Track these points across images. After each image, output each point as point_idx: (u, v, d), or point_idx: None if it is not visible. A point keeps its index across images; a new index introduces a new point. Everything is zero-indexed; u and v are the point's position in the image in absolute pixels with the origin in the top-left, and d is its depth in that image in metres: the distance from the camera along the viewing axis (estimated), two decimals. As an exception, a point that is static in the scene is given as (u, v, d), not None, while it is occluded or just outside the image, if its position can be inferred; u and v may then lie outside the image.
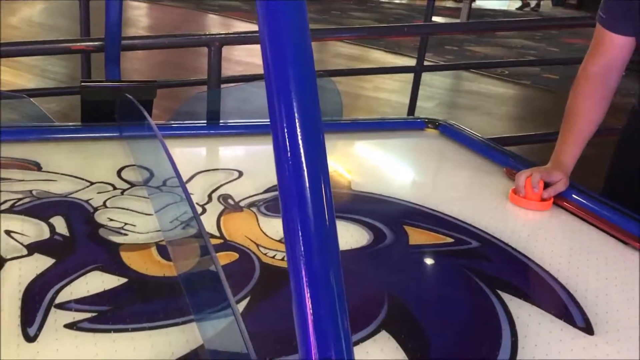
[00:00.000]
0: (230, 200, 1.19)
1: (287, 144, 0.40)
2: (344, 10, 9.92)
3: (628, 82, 1.51)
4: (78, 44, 1.80)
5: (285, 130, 0.40)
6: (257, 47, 0.43)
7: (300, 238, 0.39)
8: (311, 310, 0.38)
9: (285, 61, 0.40)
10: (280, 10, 0.40)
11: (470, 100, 5.19)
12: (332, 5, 10.14)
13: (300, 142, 0.39)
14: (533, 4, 11.47)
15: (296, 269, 0.39)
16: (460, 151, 1.61)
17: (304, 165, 0.39)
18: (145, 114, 1.19)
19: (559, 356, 0.81)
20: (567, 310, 0.92)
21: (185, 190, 0.92)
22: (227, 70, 3.10)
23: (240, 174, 1.32)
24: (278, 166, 0.40)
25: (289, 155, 0.40)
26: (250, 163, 1.42)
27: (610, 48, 1.32)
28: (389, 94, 4.70)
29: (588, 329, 0.87)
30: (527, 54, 7.20)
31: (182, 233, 0.97)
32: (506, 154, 1.56)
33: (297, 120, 0.40)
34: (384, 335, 0.81)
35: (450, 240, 1.11)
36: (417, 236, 1.11)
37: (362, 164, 1.55)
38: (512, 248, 1.10)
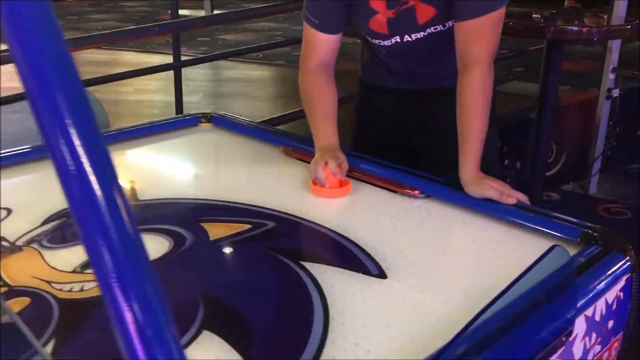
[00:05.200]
0: (4, 243, 1.08)
1: (70, 162, 0.37)
2: (80, 13, 9.33)
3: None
4: None
5: (65, 149, 0.37)
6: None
7: (108, 255, 0.37)
8: (135, 325, 0.37)
9: (46, 74, 0.38)
10: (31, 23, 0.38)
11: (233, 87, 5.29)
12: (67, 10, 9.47)
13: (83, 158, 0.37)
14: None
15: (109, 289, 0.37)
16: (237, 139, 1.65)
17: (94, 180, 0.37)
18: None
19: (362, 303, 0.90)
20: (363, 263, 1.02)
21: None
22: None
23: (9, 211, 1.20)
24: (65, 189, 0.38)
25: (74, 174, 0.37)
26: (18, 197, 1.29)
27: (323, 48, 1.43)
28: (151, 94, 4.59)
29: (382, 275, 0.98)
30: (274, 35, 7.53)
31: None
32: (279, 134, 1.64)
33: (75, 135, 0.37)
34: (206, 335, 0.82)
35: (247, 226, 1.15)
36: (215, 230, 1.13)
37: (143, 171, 1.50)
38: (307, 220, 1.18)
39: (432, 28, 1.40)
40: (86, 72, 4.77)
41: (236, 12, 3.93)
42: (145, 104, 4.54)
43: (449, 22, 1.37)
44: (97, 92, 3.97)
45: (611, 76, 2.91)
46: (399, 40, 1.43)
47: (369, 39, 1.49)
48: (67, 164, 0.37)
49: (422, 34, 1.41)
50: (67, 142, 0.37)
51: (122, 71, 3.28)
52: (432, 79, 1.53)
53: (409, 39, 1.42)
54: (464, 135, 1.29)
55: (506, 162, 3.00)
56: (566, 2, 8.44)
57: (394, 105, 1.60)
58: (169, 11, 2.93)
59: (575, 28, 2.16)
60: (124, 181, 1.37)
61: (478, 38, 1.28)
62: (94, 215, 0.37)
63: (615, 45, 2.99)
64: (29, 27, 0.38)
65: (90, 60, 5.37)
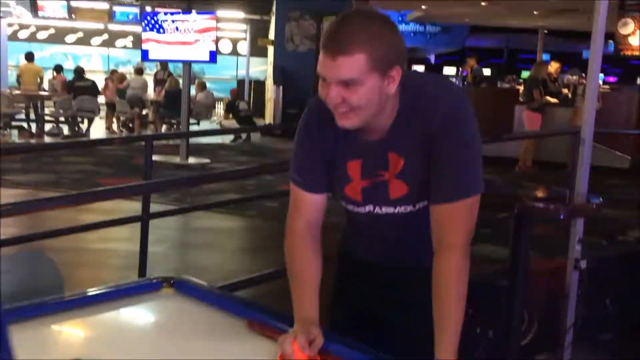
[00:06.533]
0: None
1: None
2: (56, 156, 9.41)
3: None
4: None
5: None
6: None
7: None
8: None
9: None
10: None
11: (203, 237, 5.24)
12: (43, 153, 9.55)
13: None
14: (244, 136, 12.38)
15: None
16: (199, 310, 1.56)
17: None
18: None
19: None
20: None
21: None
22: None
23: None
24: None
25: None
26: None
27: (309, 208, 1.43)
28: (117, 242, 4.49)
29: None
30: (247, 185, 7.64)
31: None
32: (245, 305, 1.56)
33: None
34: None
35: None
36: None
37: (94, 347, 1.39)
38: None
39: (402, 207, 1.40)
40: (51, 218, 4.70)
41: (207, 176, 4.00)
42: (108, 253, 4.43)
43: (420, 204, 1.37)
44: (64, 240, 3.89)
45: (578, 247, 2.95)
46: (371, 210, 1.43)
47: (345, 204, 1.48)
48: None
49: (392, 209, 1.41)
50: None
51: (89, 221, 3.24)
52: (408, 256, 1.50)
53: (380, 211, 1.42)
54: (439, 319, 1.25)
55: (478, 330, 2.92)
56: (517, 167, 8.87)
57: (372, 280, 1.55)
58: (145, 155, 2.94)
59: (541, 205, 2.21)
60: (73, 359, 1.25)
61: (453, 223, 1.28)
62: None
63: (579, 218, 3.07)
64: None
65: (58, 205, 5.30)
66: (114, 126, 12.60)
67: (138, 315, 1.57)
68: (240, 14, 15.10)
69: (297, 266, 1.42)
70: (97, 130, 12.06)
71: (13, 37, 16.11)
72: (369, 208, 1.43)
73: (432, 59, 20.96)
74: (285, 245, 1.44)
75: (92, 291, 1.62)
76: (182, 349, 1.42)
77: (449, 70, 17.77)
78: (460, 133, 1.30)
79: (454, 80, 13.70)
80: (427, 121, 1.31)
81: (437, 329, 1.25)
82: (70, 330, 1.47)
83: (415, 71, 1.48)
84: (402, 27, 14.47)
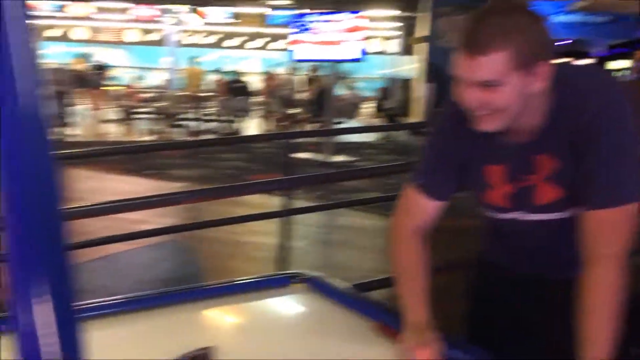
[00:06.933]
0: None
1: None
2: (212, 152, 10.04)
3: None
4: None
5: None
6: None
7: None
8: None
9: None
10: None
11: (344, 235, 5.27)
12: (199, 149, 10.25)
13: None
14: (391, 135, 12.35)
15: None
16: (328, 308, 1.53)
17: None
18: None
19: None
20: None
21: None
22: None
23: None
24: None
25: None
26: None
27: (424, 214, 1.36)
28: (262, 236, 4.66)
29: None
30: (390, 184, 7.59)
31: None
32: (376, 307, 1.50)
33: None
34: None
35: None
36: None
37: (223, 336, 1.42)
38: None
39: (551, 213, 1.26)
40: (210, 209, 5.01)
41: (347, 172, 4.00)
42: (253, 246, 4.61)
43: (571, 210, 1.23)
44: (218, 231, 4.13)
45: None
46: (515, 216, 1.31)
47: (485, 210, 1.38)
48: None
49: (539, 216, 1.28)
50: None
51: (241, 213, 3.40)
52: (555, 266, 1.36)
53: (525, 218, 1.29)
54: (586, 338, 1.11)
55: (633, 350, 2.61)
56: None
57: (516, 292, 1.43)
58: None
59: None
60: (206, 346, 1.28)
61: (606, 232, 1.13)
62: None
63: None
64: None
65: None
66: (268, 125, 13.20)
67: (268, 308, 1.59)
68: (388, 13, 15.10)
69: (404, 269, 1.35)
70: (250, 128, 12.68)
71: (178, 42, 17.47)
72: (512, 215, 1.31)
73: (598, 51, 19.37)
74: (392, 250, 1.38)
75: (226, 282, 1.66)
76: (307, 345, 1.40)
77: (618, 64, 16.28)
78: (615, 131, 1.14)
79: (626, 73, 12.54)
80: (578, 118, 1.17)
81: (583, 348, 1.11)
82: (202, 319, 1.52)
83: (567, 64, 1.32)
84: (563, 18, 13.51)
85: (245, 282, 1.66)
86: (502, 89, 1.12)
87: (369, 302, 1.56)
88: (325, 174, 4.89)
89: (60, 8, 17.95)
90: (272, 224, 4.73)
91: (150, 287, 1.47)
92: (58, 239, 0.36)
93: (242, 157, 9.50)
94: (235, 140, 9.25)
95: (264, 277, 1.76)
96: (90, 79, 13.03)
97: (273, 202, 5.50)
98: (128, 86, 15.03)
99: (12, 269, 0.35)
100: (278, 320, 1.55)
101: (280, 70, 14.74)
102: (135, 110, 13.52)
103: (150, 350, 1.25)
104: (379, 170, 3.11)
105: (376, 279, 2.66)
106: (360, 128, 11.37)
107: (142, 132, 12.59)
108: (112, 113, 13.58)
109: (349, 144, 10.43)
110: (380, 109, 12.40)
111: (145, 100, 14.17)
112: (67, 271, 0.36)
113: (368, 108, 14.94)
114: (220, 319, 1.53)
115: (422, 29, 13.31)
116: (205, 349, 1.23)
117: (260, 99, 13.54)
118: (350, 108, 12.69)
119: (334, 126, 10.23)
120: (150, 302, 1.50)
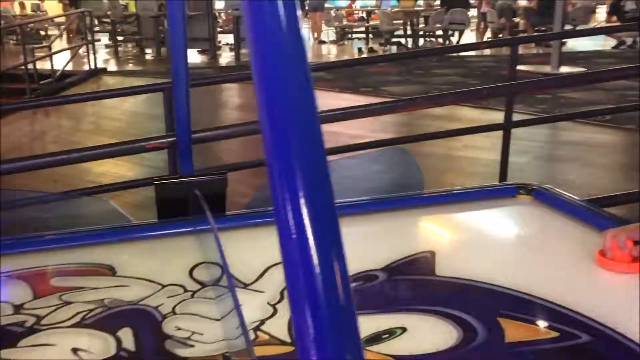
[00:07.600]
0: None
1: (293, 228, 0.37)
2: (426, 68, 9.89)
3: None
4: (152, 142, 1.84)
5: (291, 215, 0.37)
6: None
7: (311, 322, 0.36)
8: None
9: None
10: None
11: (570, 151, 4.89)
12: (415, 63, 10.15)
13: (307, 226, 0.36)
14: (629, 41, 10.93)
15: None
16: (557, 220, 1.45)
17: (313, 249, 0.36)
18: (206, 208, 1.15)
19: None
20: None
21: (232, 291, 0.86)
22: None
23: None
24: (282, 249, 0.37)
25: (294, 238, 0.37)
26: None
27: None
28: (479, 151, 4.53)
29: None
30: (627, 95, 6.78)
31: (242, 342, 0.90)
32: (611, 219, 1.38)
33: (304, 204, 0.36)
34: None
35: (555, 334, 0.96)
36: (514, 331, 0.97)
37: (445, 243, 1.43)
38: (631, 341, 0.94)
39: None
40: (423, 125, 5.00)
41: (579, 75, 3.64)
42: (470, 161, 4.52)
43: None
44: (432, 146, 4.12)
45: None
46: None
47: None
48: (290, 229, 0.37)
49: None
50: (295, 209, 0.37)
51: (453, 128, 3.34)
52: None
53: None
54: None
55: None
56: None
57: None
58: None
59: None
60: (425, 251, 1.31)
61: None
62: (306, 283, 0.36)
63: None
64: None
65: (428, 114, 5.60)
66: (486, 37, 12.55)
67: (492, 218, 1.55)
68: None
69: None
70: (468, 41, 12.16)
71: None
72: None
73: None
74: None
75: (444, 191, 1.65)
76: (535, 260, 1.34)
77: None
78: None
79: None
80: None
81: None
82: (425, 225, 1.54)
83: None
84: None
85: (469, 192, 1.63)
86: None
87: (604, 215, 1.44)
88: (554, 79, 4.46)
89: None
90: (487, 140, 4.56)
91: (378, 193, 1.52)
92: (317, 141, 0.39)
93: (459, 72, 9.21)
94: (452, 50, 8.94)
95: (488, 187, 1.71)
96: (316, 3, 13.56)
97: (487, 117, 5.29)
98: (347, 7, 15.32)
99: (270, 170, 0.38)
100: (503, 232, 1.51)
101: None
102: (350, 30, 13.77)
103: (372, 252, 1.30)
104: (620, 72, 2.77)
105: (610, 194, 2.43)
106: (589, 30, 10.12)
107: (359, 52, 12.83)
108: (329, 34, 14.01)
109: (579, 53, 9.48)
110: (617, 12, 10.93)
111: (361, 19, 14.33)
112: (326, 170, 0.38)
113: (604, 12, 13.30)
114: (443, 227, 1.53)
115: None
116: (426, 252, 1.25)
117: (477, 10, 12.82)
118: (582, 13, 11.40)
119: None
120: (373, 206, 1.55)
